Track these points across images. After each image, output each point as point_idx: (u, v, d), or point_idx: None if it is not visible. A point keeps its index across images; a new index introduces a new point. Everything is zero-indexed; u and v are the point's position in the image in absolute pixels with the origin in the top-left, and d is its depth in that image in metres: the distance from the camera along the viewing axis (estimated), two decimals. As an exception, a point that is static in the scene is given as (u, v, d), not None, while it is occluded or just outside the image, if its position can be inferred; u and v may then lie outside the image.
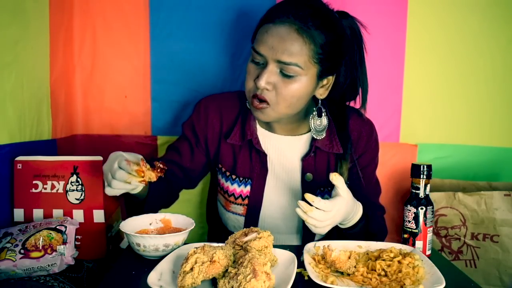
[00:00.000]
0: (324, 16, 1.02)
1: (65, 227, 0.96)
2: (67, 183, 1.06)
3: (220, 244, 0.90)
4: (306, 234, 1.19)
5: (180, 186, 1.24)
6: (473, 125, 1.45)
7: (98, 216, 1.06)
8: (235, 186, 1.18)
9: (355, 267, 0.89)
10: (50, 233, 0.93)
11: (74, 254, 0.96)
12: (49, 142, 1.27)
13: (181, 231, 0.96)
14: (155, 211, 1.14)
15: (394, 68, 1.43)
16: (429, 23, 1.41)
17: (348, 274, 0.89)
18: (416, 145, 1.46)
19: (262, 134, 1.17)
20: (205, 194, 1.42)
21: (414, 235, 1.01)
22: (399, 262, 0.89)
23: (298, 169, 1.17)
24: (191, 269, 0.77)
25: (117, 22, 1.40)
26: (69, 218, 1.01)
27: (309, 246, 0.96)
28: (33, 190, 1.06)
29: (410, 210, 1.02)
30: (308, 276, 0.84)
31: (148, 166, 0.94)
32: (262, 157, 1.16)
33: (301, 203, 0.95)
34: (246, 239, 0.88)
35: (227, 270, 0.79)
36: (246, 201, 1.18)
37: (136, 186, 0.96)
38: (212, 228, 1.37)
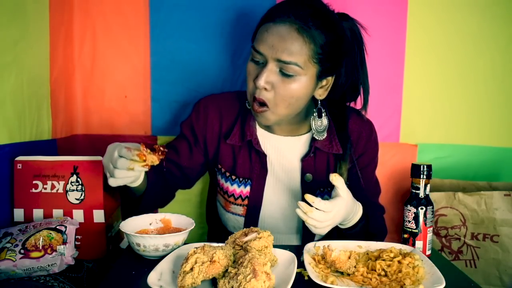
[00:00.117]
0: (325, 17, 1.02)
1: (65, 227, 0.96)
2: (67, 183, 1.06)
3: (220, 244, 0.90)
4: (306, 234, 1.19)
5: (177, 185, 1.24)
6: (473, 125, 1.45)
7: (98, 216, 1.06)
8: (235, 186, 1.18)
9: (355, 267, 0.89)
10: (50, 233, 0.93)
11: (74, 254, 0.96)
12: (49, 142, 1.27)
13: (181, 231, 0.96)
14: (151, 210, 1.14)
15: (394, 68, 1.43)
16: (429, 24, 1.41)
17: (348, 274, 0.89)
18: (416, 145, 1.46)
19: (262, 134, 1.17)
20: (205, 194, 1.42)
21: (414, 235, 1.01)
22: (399, 262, 0.89)
23: (297, 169, 1.17)
24: (191, 269, 0.77)
25: (117, 22, 1.40)
26: (69, 218, 1.01)
27: (309, 246, 0.96)
28: (33, 190, 1.06)
29: (410, 210, 1.02)
30: (308, 276, 0.84)
31: (149, 150, 0.94)
32: (261, 157, 1.16)
33: (301, 203, 0.95)
34: (246, 239, 0.88)
35: (227, 270, 0.79)
36: (246, 202, 1.18)
37: (139, 173, 0.95)
38: (212, 228, 1.37)
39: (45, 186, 1.06)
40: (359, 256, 0.94)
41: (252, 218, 1.18)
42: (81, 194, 1.06)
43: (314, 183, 1.17)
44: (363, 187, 1.18)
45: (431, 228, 1.02)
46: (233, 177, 1.18)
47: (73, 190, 1.06)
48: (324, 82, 1.09)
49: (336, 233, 1.10)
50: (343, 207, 0.99)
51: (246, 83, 1.07)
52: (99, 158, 1.07)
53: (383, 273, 0.88)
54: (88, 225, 1.06)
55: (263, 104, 1.03)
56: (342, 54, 1.07)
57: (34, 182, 1.06)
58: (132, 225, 1.00)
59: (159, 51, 1.41)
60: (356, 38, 1.12)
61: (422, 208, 1.01)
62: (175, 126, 1.42)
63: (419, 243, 1.01)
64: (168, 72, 1.41)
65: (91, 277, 1.01)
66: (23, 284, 0.87)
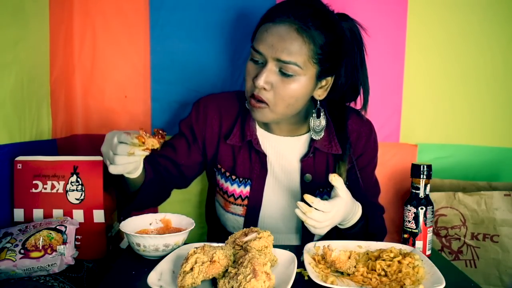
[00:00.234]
0: (324, 17, 1.02)
1: (65, 227, 0.96)
2: (67, 183, 1.06)
3: (220, 244, 0.90)
4: (306, 234, 1.19)
5: (173, 183, 1.23)
6: (473, 125, 1.45)
7: (98, 216, 1.06)
8: (235, 186, 1.18)
9: (355, 267, 0.89)
10: (50, 233, 0.93)
11: (74, 254, 0.96)
12: (49, 142, 1.27)
13: (181, 231, 0.96)
14: (145, 208, 1.14)
15: (394, 68, 1.43)
16: (429, 23, 1.41)
17: (348, 274, 0.89)
18: (416, 145, 1.46)
19: (261, 134, 1.17)
20: (204, 195, 1.42)
21: (414, 235, 1.01)
22: (399, 262, 0.89)
23: (297, 170, 1.17)
24: (191, 269, 0.77)
25: (117, 22, 1.40)
26: (69, 218, 1.01)
27: (309, 246, 0.96)
28: (33, 190, 1.06)
29: (410, 210, 1.02)
30: (308, 276, 0.84)
31: (149, 134, 0.93)
32: (261, 157, 1.16)
33: (300, 204, 0.95)
34: (246, 239, 0.88)
35: (227, 270, 0.79)
36: (245, 202, 1.18)
37: (139, 158, 0.94)
38: (212, 228, 1.37)
39: (45, 186, 1.06)
40: (359, 256, 0.94)
41: (251, 218, 1.18)
42: (81, 194, 1.06)
43: (314, 183, 1.17)
44: (363, 187, 1.17)
45: (431, 228, 1.02)
46: (233, 177, 1.18)
47: (73, 190, 1.06)
48: (323, 83, 1.08)
49: (336, 233, 1.10)
50: (342, 207, 0.99)
51: (244, 81, 1.07)
52: (99, 158, 1.07)
53: (383, 273, 0.88)
54: (88, 225, 1.06)
55: (261, 101, 1.03)
56: (341, 55, 1.07)
57: (34, 182, 1.06)
58: (132, 225, 1.00)
59: (159, 51, 1.41)
60: (355, 38, 1.12)
61: (422, 208, 1.01)
62: (175, 126, 1.41)
63: (419, 243, 1.01)
64: (168, 72, 1.41)
65: (91, 277, 1.01)
66: (23, 284, 0.87)
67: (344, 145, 1.15)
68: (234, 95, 1.22)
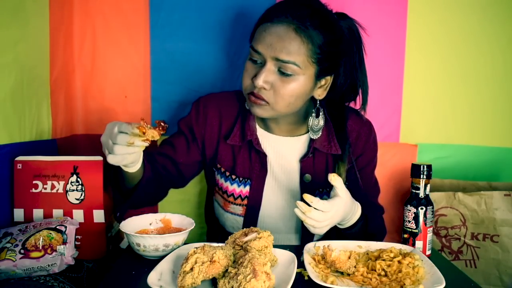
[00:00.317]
0: (323, 17, 1.02)
1: (65, 227, 0.96)
2: (67, 183, 1.06)
3: (220, 244, 0.90)
4: (305, 234, 1.19)
5: (171, 182, 1.22)
6: (473, 125, 1.45)
7: (98, 216, 1.06)
8: (235, 186, 1.18)
9: (355, 267, 0.89)
10: (50, 233, 0.93)
11: (74, 254, 0.96)
12: (49, 142, 1.27)
13: (181, 231, 0.96)
14: (141, 206, 1.14)
15: (394, 68, 1.43)
16: (429, 22, 1.41)
17: (348, 274, 0.89)
18: (416, 145, 1.46)
19: (261, 134, 1.17)
20: (204, 195, 1.42)
21: (414, 235, 1.01)
22: (399, 262, 0.89)
23: (296, 170, 1.17)
24: (191, 269, 0.77)
25: (117, 22, 1.40)
26: (69, 218, 1.01)
27: (309, 246, 0.96)
28: (33, 190, 1.06)
29: (410, 210, 1.02)
30: (308, 276, 0.84)
31: (150, 126, 0.92)
32: (261, 157, 1.16)
33: (300, 203, 0.95)
34: (246, 239, 0.88)
35: (227, 270, 0.79)
36: (245, 201, 1.18)
37: (139, 149, 0.93)
38: (211, 228, 1.37)
39: (45, 186, 1.06)
40: (359, 256, 0.94)
41: (251, 218, 1.18)
42: (81, 194, 1.06)
43: (313, 183, 1.17)
44: (362, 188, 1.17)
45: (431, 228, 1.02)
46: (233, 176, 1.18)
47: (73, 190, 1.06)
48: (323, 82, 1.09)
49: (335, 233, 1.10)
50: (341, 207, 0.99)
51: (242, 78, 1.07)
52: (99, 158, 1.07)
53: (383, 273, 0.88)
54: (88, 225, 1.06)
55: (262, 99, 1.03)
56: (340, 54, 1.07)
57: (34, 182, 1.06)
58: (132, 225, 1.00)
59: (159, 51, 1.41)
60: (354, 37, 1.12)
61: (422, 208, 1.01)
62: (175, 126, 1.42)
63: (419, 243, 1.01)
64: (168, 72, 1.41)
65: (91, 277, 1.01)
66: (23, 284, 0.87)
67: (343, 145, 1.15)
68: (234, 94, 1.22)
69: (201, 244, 0.86)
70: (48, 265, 0.91)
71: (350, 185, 1.15)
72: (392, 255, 0.91)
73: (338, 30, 1.05)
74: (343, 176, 1.13)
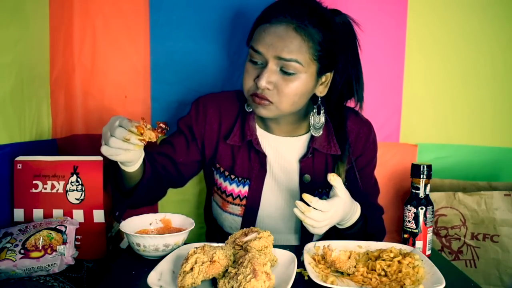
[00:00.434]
0: (320, 14, 1.03)
1: (65, 227, 0.95)
2: (67, 183, 1.06)
3: (220, 244, 0.90)
4: (305, 234, 1.19)
5: (170, 181, 1.22)
6: (473, 125, 1.45)
7: (98, 216, 1.06)
8: (234, 186, 1.18)
9: (355, 267, 0.89)
10: (50, 233, 0.93)
11: (74, 254, 0.96)
12: (49, 142, 1.27)
13: (181, 231, 0.96)
14: (140, 206, 1.14)
15: (394, 68, 1.43)
16: (429, 22, 1.41)
17: (348, 274, 0.89)
18: (416, 145, 1.46)
19: (261, 134, 1.17)
20: (203, 195, 1.42)
21: (414, 235, 1.01)
22: (399, 262, 0.89)
23: (296, 170, 1.17)
24: (191, 269, 0.77)
25: (117, 22, 1.40)
26: (69, 218, 1.01)
27: (309, 246, 0.96)
28: (33, 190, 1.06)
29: (410, 210, 1.02)
30: (308, 276, 0.84)
31: (149, 126, 0.93)
32: (261, 157, 1.16)
33: (299, 203, 0.95)
34: (246, 239, 0.88)
35: (227, 270, 0.79)
36: (244, 202, 1.17)
37: (133, 146, 0.92)
38: (210, 229, 1.37)
39: (45, 186, 1.06)
40: (359, 256, 0.94)
41: (249, 218, 1.18)
42: (81, 194, 1.06)
43: (313, 184, 1.17)
44: (362, 188, 1.17)
45: (431, 228, 1.02)
46: (232, 176, 1.18)
47: (73, 190, 1.06)
48: (323, 79, 1.09)
49: (334, 234, 1.10)
50: (341, 207, 0.99)
51: (242, 80, 1.07)
52: (99, 158, 1.07)
53: (383, 273, 0.88)
54: (88, 225, 1.06)
55: (266, 99, 1.03)
56: (339, 50, 1.08)
57: (34, 182, 1.06)
58: (132, 225, 1.00)
59: (159, 51, 1.41)
60: (349, 33, 1.12)
61: (422, 208, 1.01)
62: (175, 127, 1.42)
63: (419, 243, 1.01)
64: (168, 72, 1.41)
65: (91, 277, 1.01)
66: (23, 284, 0.87)
67: (343, 145, 1.15)
68: (234, 94, 1.22)
69: (201, 244, 0.86)
70: (48, 265, 0.91)
71: (350, 185, 1.15)
72: (392, 255, 0.91)
73: (335, 27, 1.06)
74: (342, 176, 1.13)
